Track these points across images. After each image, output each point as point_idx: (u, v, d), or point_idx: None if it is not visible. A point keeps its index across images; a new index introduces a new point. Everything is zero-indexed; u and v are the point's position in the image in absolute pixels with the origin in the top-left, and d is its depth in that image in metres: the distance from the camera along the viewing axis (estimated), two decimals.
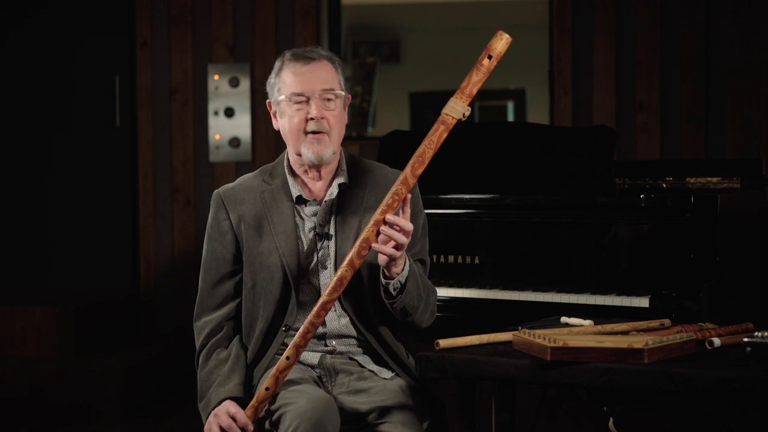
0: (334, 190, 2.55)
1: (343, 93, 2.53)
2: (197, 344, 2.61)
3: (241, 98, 5.55)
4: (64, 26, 5.65)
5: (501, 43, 2.31)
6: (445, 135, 2.32)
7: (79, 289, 5.62)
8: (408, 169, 2.32)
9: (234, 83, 5.54)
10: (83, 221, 5.67)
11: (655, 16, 5.19)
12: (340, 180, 2.56)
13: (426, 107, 9.38)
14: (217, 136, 5.57)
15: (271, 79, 2.57)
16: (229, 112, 5.55)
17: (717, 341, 2.19)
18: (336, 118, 2.51)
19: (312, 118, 2.47)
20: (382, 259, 2.35)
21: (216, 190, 2.63)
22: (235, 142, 5.55)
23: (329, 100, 2.50)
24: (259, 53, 5.54)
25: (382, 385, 2.49)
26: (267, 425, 2.42)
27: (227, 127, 5.56)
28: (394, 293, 2.41)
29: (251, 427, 2.37)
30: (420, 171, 2.33)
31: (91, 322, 5.16)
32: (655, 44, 5.19)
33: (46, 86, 5.66)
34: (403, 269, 2.39)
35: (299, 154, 2.52)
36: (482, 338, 2.33)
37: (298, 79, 2.49)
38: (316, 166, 2.53)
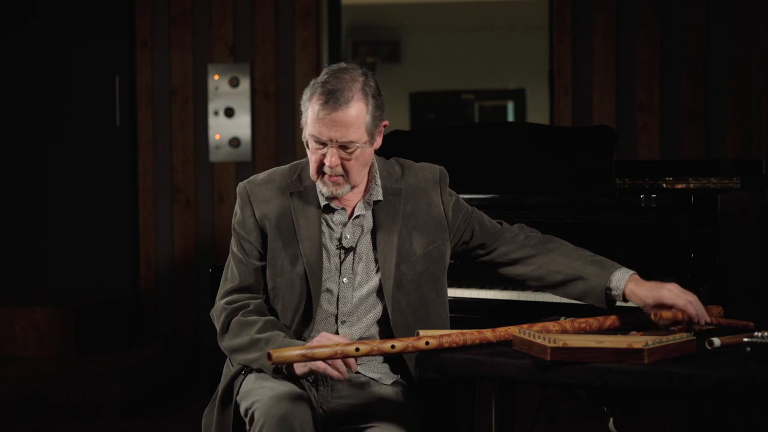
0: (362, 209, 2.50)
1: (364, 144, 2.39)
2: (220, 322, 2.49)
3: (241, 98, 5.54)
4: (65, 26, 5.65)
5: None
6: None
7: (79, 288, 5.62)
8: (590, 327, 2.34)
9: (234, 83, 5.53)
10: (83, 221, 5.67)
11: (655, 16, 5.19)
12: (375, 197, 2.51)
13: (426, 107, 9.37)
14: (217, 136, 5.56)
15: (304, 97, 2.44)
16: (229, 112, 5.55)
17: (717, 341, 2.19)
18: (355, 162, 2.41)
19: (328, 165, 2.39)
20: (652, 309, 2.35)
21: (244, 183, 2.55)
22: (235, 142, 5.55)
23: (348, 148, 2.39)
24: (259, 53, 5.54)
25: (380, 391, 2.47)
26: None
27: (227, 127, 5.56)
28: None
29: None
30: (593, 328, 2.33)
31: (91, 322, 5.16)
32: (655, 44, 5.19)
33: (46, 86, 5.66)
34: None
35: None
36: (464, 332, 2.29)
37: (319, 123, 2.36)
38: None
